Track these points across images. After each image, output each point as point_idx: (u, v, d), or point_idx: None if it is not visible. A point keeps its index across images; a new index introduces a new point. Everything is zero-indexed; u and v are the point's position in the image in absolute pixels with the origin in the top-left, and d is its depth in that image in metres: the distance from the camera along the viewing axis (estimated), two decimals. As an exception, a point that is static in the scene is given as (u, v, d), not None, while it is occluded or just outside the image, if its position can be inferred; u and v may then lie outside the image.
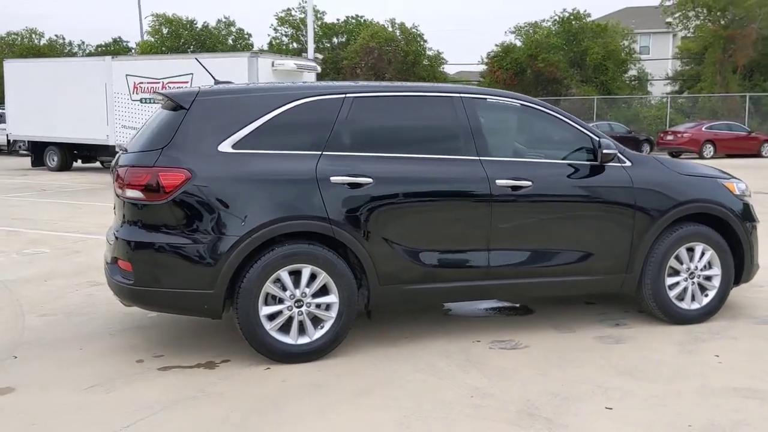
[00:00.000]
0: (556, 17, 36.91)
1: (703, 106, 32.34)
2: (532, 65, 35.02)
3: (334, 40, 42.64)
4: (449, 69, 44.33)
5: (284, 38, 42.82)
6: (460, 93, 4.89)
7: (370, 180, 4.45)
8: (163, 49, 39.77)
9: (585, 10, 36.27)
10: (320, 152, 4.47)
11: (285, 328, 4.40)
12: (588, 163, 4.99)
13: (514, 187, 4.72)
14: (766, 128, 29.56)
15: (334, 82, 5.70)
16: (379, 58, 36.63)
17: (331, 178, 4.40)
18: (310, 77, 16.34)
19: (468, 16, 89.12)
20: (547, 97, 34.65)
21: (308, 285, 4.39)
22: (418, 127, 4.80)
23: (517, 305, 5.75)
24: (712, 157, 26.10)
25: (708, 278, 5.22)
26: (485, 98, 4.96)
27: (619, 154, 5.02)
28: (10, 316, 5.57)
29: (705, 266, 5.19)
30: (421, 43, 38.98)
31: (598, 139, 5.00)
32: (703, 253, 5.17)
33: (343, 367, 4.35)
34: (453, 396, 3.93)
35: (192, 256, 4.23)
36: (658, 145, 28.06)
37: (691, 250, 5.15)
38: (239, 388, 4.08)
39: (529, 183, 4.75)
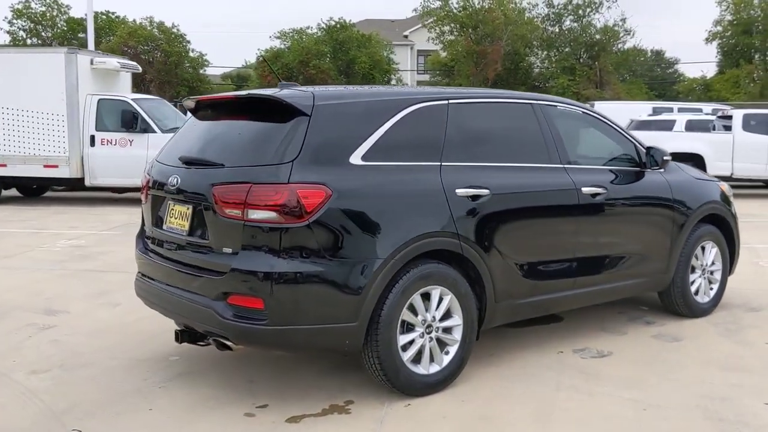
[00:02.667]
0: (323, 25, 37.64)
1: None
2: (304, 71, 35.30)
3: (81, 35, 38.97)
4: (213, 72, 43.02)
5: (21, 32, 38.21)
6: (537, 100, 4.84)
7: (487, 191, 4.21)
8: None
9: (350, 20, 37.45)
10: (439, 163, 4.13)
11: (416, 357, 3.99)
12: (639, 169, 5.21)
13: (594, 195, 4.78)
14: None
15: (422, 87, 5.19)
16: (137, 58, 34.26)
17: (457, 191, 4.09)
18: (127, 78, 14.78)
19: (230, 17, 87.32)
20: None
21: (436, 308, 4.04)
22: (511, 135, 4.66)
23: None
24: None
25: (712, 272, 5.74)
26: (556, 105, 4.95)
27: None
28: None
29: (713, 262, 5.72)
30: (184, 44, 37.29)
31: (639, 145, 5.26)
32: (711, 251, 5.68)
33: (466, 393, 4.06)
34: (614, 409, 3.87)
35: (335, 285, 3.66)
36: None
37: (703, 248, 5.62)
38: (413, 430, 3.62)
39: (604, 190, 4.84)
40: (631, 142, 5.29)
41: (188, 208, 3.97)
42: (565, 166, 4.73)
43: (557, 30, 36.28)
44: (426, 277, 3.93)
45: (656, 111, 19.95)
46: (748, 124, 14.78)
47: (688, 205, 5.42)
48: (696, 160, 14.67)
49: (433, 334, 4.03)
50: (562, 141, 4.78)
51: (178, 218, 4.06)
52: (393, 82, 40.02)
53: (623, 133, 5.29)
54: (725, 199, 5.80)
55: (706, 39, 36.19)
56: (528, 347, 4.86)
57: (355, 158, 3.81)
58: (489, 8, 34.89)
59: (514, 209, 4.37)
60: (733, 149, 14.73)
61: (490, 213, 4.21)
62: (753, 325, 5.46)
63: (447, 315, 4.09)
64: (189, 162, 4.05)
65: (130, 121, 12.71)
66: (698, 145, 14.86)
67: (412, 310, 3.93)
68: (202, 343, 4.16)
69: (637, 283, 5.23)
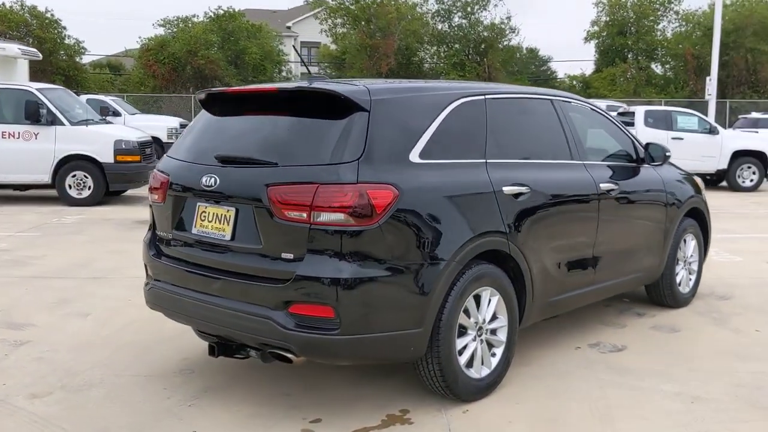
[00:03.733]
0: (210, 14, 36.42)
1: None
2: (192, 61, 34.06)
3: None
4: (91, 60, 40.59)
5: None
6: (554, 95, 4.85)
7: (527, 189, 4.17)
8: None
9: (239, 9, 36.44)
10: (484, 160, 4.03)
11: (468, 361, 3.88)
12: (637, 164, 5.33)
13: (609, 191, 4.85)
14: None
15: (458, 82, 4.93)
16: (7, 44, 31.81)
17: (504, 188, 4.01)
18: (24, 65, 13.59)
19: (112, 4, 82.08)
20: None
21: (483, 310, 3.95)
22: (538, 130, 4.63)
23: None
24: None
25: (691, 264, 6.00)
26: (570, 101, 4.97)
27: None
28: None
29: (692, 254, 5.97)
30: (59, 30, 34.94)
31: (637, 141, 5.39)
32: (690, 243, 5.92)
33: (514, 395, 4.01)
34: (664, 403, 3.93)
35: (403, 290, 3.49)
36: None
37: (684, 240, 5.86)
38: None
39: (616, 186, 4.92)
40: (629, 137, 5.41)
41: (229, 211, 3.66)
42: (584, 162, 4.77)
43: (447, 26, 36.95)
44: (479, 278, 3.82)
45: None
46: (648, 121, 15.62)
47: (678, 200, 5.62)
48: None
49: (483, 337, 3.95)
50: (578, 136, 4.82)
51: (213, 221, 3.73)
52: (284, 73, 39.42)
53: (622, 128, 5.40)
54: (699, 192, 6.06)
55: (585, 38, 38.22)
56: (544, 345, 4.86)
57: (414, 156, 3.64)
58: (381, 2, 35.00)
59: (549, 206, 4.34)
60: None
61: (530, 210, 4.16)
62: (733, 313, 5.73)
63: (494, 316, 4.02)
64: (226, 160, 3.72)
65: (35, 113, 11.71)
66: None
67: (466, 313, 3.82)
68: (240, 356, 3.86)
69: (637, 278, 5.36)
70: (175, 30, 36.21)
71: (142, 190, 13.53)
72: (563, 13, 79.12)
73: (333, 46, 40.06)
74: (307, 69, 4.72)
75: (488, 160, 4.04)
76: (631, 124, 15.33)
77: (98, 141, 12.02)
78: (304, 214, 3.36)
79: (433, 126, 3.79)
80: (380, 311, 3.43)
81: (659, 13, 37.12)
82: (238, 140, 3.82)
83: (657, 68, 37.97)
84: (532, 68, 54.99)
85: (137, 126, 16.59)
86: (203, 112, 4.24)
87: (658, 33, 37.33)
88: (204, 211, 3.79)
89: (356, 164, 3.39)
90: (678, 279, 5.79)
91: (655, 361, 4.60)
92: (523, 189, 4.12)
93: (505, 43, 37.11)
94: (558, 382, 4.21)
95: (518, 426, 3.64)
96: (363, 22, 35.48)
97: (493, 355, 4.02)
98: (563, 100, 4.87)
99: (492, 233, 3.89)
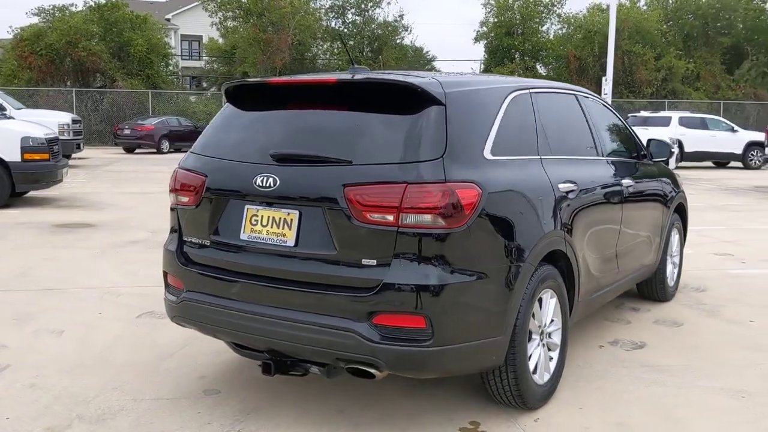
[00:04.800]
0: (91, 3, 34.31)
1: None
2: (72, 53, 32.00)
3: None
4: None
5: None
6: (576, 90, 4.78)
7: (576, 186, 4.07)
8: None
9: (122, 0, 34.56)
10: (539, 156, 3.89)
11: (534, 368, 3.72)
12: (638, 161, 5.36)
13: (629, 187, 4.84)
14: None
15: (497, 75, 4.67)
16: None
17: (559, 186, 3.89)
18: None
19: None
20: (89, 89, 32.23)
21: (545, 313, 3.81)
22: (571, 126, 4.53)
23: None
24: (168, 152, 27.43)
25: (674, 257, 6.14)
26: (588, 96, 4.91)
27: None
28: None
29: (676, 248, 6.11)
30: None
31: (638, 138, 5.44)
32: (674, 237, 6.07)
33: (571, 399, 3.90)
34: (719, 400, 3.94)
35: (489, 295, 3.29)
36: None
37: (670, 235, 5.99)
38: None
39: (633, 183, 4.93)
40: (633, 133, 5.45)
41: (290, 214, 3.31)
42: (607, 158, 4.74)
43: (341, 22, 36.77)
44: (544, 279, 3.67)
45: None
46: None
47: (670, 196, 5.72)
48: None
49: (545, 341, 3.81)
50: (599, 132, 4.78)
51: (269, 226, 3.36)
52: (171, 67, 37.84)
53: (626, 124, 5.43)
54: (680, 187, 6.22)
55: (475, 39, 39.14)
56: (569, 344, 4.79)
57: (487, 152, 3.44)
58: (275, -4, 34.33)
59: (590, 204, 4.26)
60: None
61: (577, 208, 4.06)
62: (718, 305, 5.91)
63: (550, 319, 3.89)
64: (286, 159, 3.36)
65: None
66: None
67: (533, 316, 3.67)
68: (296, 373, 3.51)
69: (643, 273, 5.41)
70: (51, 19, 33.84)
71: (49, 192, 12.49)
72: (454, 12, 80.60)
73: (221, 40, 38.88)
74: (351, 60, 4.38)
75: (542, 157, 3.90)
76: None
77: (2, 138, 10.93)
78: (391, 217, 3.07)
79: (497, 120, 3.60)
80: (469, 319, 3.21)
81: (543, 15, 38.61)
82: (294, 137, 3.46)
83: (541, 69, 39.44)
84: (417, 67, 55.85)
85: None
86: (229, 106, 3.83)
87: (543, 35, 38.83)
88: (255, 215, 3.41)
89: (441, 161, 3.14)
90: (667, 272, 5.91)
91: (678, 356, 4.64)
92: (573, 186, 4.02)
93: (398, 41, 37.37)
94: (606, 384, 4.13)
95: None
96: (255, 16, 34.61)
97: (550, 359, 3.89)
98: (584, 95, 4.82)
99: (553, 232, 3.75)
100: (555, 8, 38.62)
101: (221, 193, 3.52)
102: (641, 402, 3.87)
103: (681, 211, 6.12)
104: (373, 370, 3.18)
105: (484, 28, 38.90)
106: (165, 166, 20.46)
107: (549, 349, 3.87)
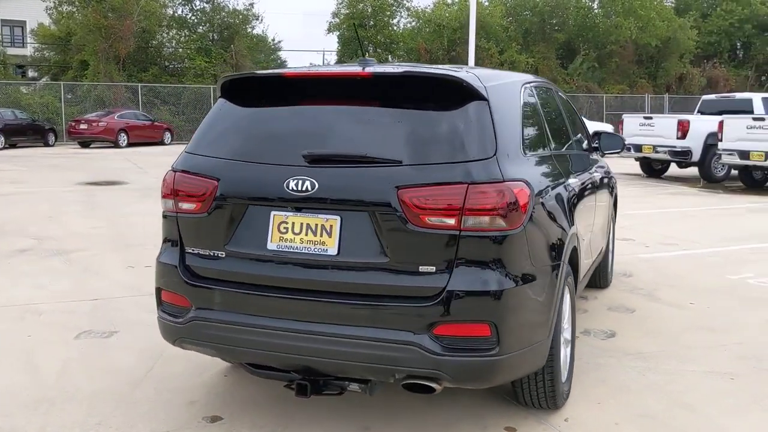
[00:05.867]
0: None
1: (87, 95, 31.81)
2: None
3: None
4: None
5: None
6: (551, 84, 4.79)
7: (576, 180, 4.10)
8: None
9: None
10: (550, 151, 3.86)
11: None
12: (591, 151, 5.49)
13: (595, 176, 4.94)
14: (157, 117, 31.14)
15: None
16: None
17: (569, 181, 3.89)
18: None
19: None
20: None
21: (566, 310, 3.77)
22: (559, 119, 4.52)
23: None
24: (127, 146, 26.45)
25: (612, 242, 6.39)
26: (558, 90, 4.93)
27: None
28: None
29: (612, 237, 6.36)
30: None
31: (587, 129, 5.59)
32: (612, 227, 6.31)
33: (582, 397, 3.91)
34: (720, 384, 4.10)
35: (540, 297, 3.20)
36: (71, 135, 26.85)
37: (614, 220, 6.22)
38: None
39: (596, 172, 5.03)
40: (584, 124, 5.57)
41: (329, 220, 3.02)
42: (581, 151, 4.81)
43: (188, 9, 35.20)
44: (567, 276, 3.64)
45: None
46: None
47: (613, 186, 5.93)
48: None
49: (565, 338, 3.77)
50: (570, 124, 4.84)
51: (303, 233, 3.05)
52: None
53: (579, 116, 5.54)
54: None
55: (328, 29, 38.93)
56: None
57: (524, 149, 3.33)
58: (116, -21, 32.20)
59: (582, 196, 4.27)
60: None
61: (577, 202, 4.06)
62: (653, 289, 6.21)
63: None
64: (321, 160, 3.05)
65: None
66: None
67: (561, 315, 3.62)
68: (331, 393, 3.22)
69: (599, 260, 5.54)
70: None
71: None
72: (307, 2, 79.41)
73: (53, 26, 35.99)
74: (362, 51, 4.08)
75: (552, 152, 3.87)
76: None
77: None
78: (453, 220, 2.88)
79: (521, 115, 3.51)
80: (527, 323, 3.09)
81: (393, 8, 39.18)
82: (327, 136, 3.15)
83: (394, 61, 40.03)
84: (261, 57, 54.86)
85: None
86: (227, 102, 3.44)
87: (394, 27, 39.41)
88: (284, 222, 3.08)
89: (495, 160, 2.99)
90: (609, 258, 6.13)
91: (650, 342, 4.80)
92: (576, 181, 4.03)
93: (249, 30, 36.43)
94: (605, 376, 4.18)
95: (626, 427, 3.52)
96: (95, 1, 32.29)
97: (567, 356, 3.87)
98: (555, 89, 4.84)
99: (571, 229, 3.72)
100: (404, 2, 39.33)
101: (240, 198, 3.15)
102: (649, 391, 3.95)
103: (615, 199, 6.38)
104: (433, 384, 2.98)
105: (337, 20, 38.83)
106: (8, 164, 18.64)
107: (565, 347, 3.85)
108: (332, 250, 3.00)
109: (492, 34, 38.28)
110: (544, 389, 3.47)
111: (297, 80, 3.38)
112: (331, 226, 3.02)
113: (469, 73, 3.24)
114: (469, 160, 2.96)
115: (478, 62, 37.78)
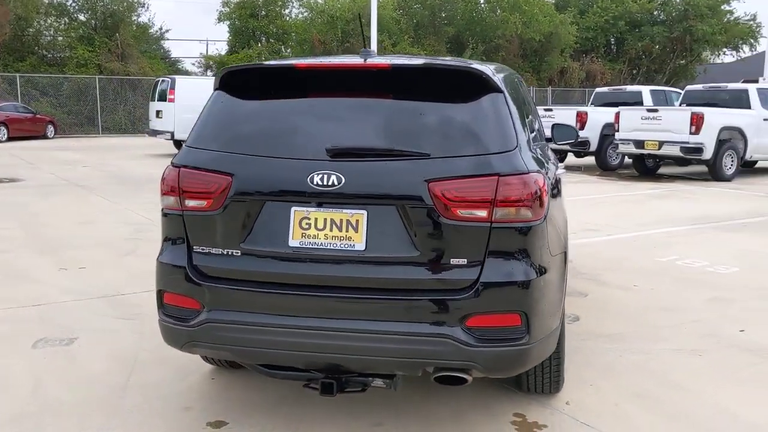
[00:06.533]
0: None
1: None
2: None
3: None
4: None
5: None
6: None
7: (558, 170, 4.20)
8: None
9: None
10: (542, 142, 3.96)
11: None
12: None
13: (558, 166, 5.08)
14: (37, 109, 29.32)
15: None
16: None
17: (557, 171, 3.99)
18: None
19: None
20: None
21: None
22: (531, 111, 4.58)
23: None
24: (7, 140, 24.84)
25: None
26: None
27: None
28: None
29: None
30: None
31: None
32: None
33: (576, 381, 4.03)
34: (697, 361, 4.35)
35: (557, 285, 3.28)
36: None
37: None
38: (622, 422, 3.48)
39: (558, 162, 5.18)
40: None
41: (356, 215, 2.95)
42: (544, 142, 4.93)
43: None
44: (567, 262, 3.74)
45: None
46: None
47: (559, 177, 6.11)
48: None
49: (558, 323, 3.88)
50: (537, 117, 4.94)
51: (326, 229, 2.96)
52: None
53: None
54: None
55: (218, 18, 37.88)
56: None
57: (530, 140, 3.39)
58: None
59: (557, 189, 4.38)
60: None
61: (561, 189, 4.14)
62: (595, 273, 6.49)
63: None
64: (347, 153, 2.97)
65: None
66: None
67: (561, 300, 3.71)
68: (354, 390, 3.16)
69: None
70: None
71: None
72: None
73: None
74: (364, 42, 3.94)
75: (540, 143, 3.96)
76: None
77: None
78: (483, 212, 2.89)
79: (523, 107, 3.57)
80: (548, 310, 3.14)
81: (285, -1, 38.75)
82: (349, 129, 3.06)
83: (288, 52, 39.54)
84: (145, 47, 52.77)
85: None
86: (226, 95, 3.28)
87: (287, 18, 38.92)
88: (305, 218, 2.99)
89: (518, 152, 3.03)
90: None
91: (615, 324, 5.01)
92: (554, 167, 4.13)
93: (135, 18, 34.93)
94: (588, 359, 4.32)
95: (627, 406, 3.65)
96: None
97: (560, 340, 3.98)
98: (519, 77, 4.92)
99: (566, 215, 3.83)
100: (295, -8, 38.97)
101: (258, 194, 3.03)
102: (634, 371, 4.12)
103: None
104: (465, 375, 2.99)
105: (227, 9, 37.89)
106: None
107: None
108: (360, 245, 2.94)
109: (384, 27, 38.56)
110: (549, 374, 3.56)
111: (310, 72, 3.27)
112: (357, 220, 2.95)
113: (481, 66, 3.25)
114: (495, 152, 2.97)
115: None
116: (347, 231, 2.95)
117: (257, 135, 3.14)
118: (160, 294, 3.23)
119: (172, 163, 3.25)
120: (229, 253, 3.07)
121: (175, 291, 3.16)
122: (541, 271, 3.04)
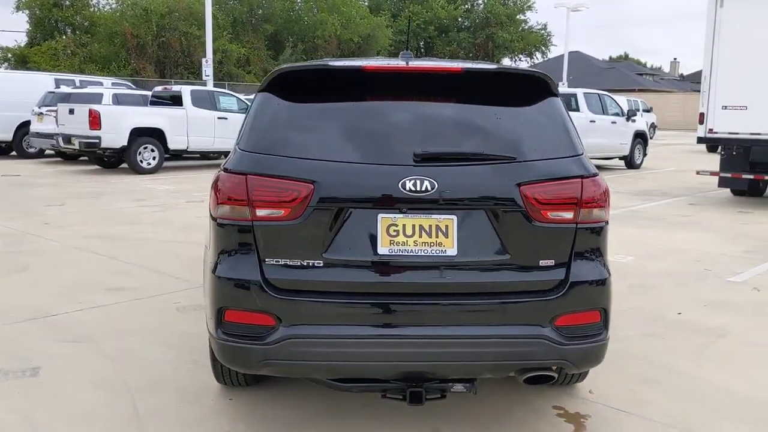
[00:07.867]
0: None
1: None
2: None
3: None
4: None
5: None
6: None
7: None
8: None
9: None
10: None
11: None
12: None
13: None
14: None
15: None
16: None
17: None
18: None
19: None
20: None
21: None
22: None
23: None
24: None
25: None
26: None
27: None
28: None
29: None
30: None
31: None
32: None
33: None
34: (696, 340, 4.73)
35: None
36: None
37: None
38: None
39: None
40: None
41: (445, 220, 2.90)
42: None
43: None
44: None
45: (59, 83, 18.68)
46: (196, 101, 15.70)
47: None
48: (157, 135, 14.91)
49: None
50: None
51: (415, 235, 2.88)
52: None
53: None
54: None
55: (16, 7, 34.27)
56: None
57: (575, 142, 3.53)
58: None
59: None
60: (187, 124, 15.41)
61: None
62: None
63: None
64: (435, 158, 2.91)
65: None
66: (160, 120, 15.00)
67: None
68: (434, 397, 3.09)
69: None
70: None
71: None
72: None
73: None
74: (407, 45, 3.74)
75: None
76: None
77: None
78: (570, 213, 2.98)
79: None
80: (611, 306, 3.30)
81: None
82: (431, 133, 2.99)
83: (98, 46, 36.93)
84: None
85: None
86: (271, 96, 3.08)
87: (93, 9, 36.32)
88: (393, 225, 2.89)
89: (585, 155, 3.17)
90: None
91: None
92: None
93: None
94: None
95: (646, 392, 3.87)
96: None
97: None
98: None
99: None
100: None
101: (344, 202, 2.87)
102: (625, 357, 4.36)
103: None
104: (551, 373, 3.06)
105: (27, -3, 34.62)
106: None
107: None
108: (451, 250, 2.90)
109: (201, 22, 37.34)
110: None
111: (379, 74, 3.14)
112: (446, 226, 2.91)
113: (531, 70, 3.34)
114: (570, 155, 3.06)
115: (190, 50, 36.70)
116: (437, 237, 2.90)
117: (334, 140, 2.98)
118: (220, 312, 2.95)
119: (226, 169, 2.99)
120: (310, 264, 2.89)
121: (242, 308, 2.91)
122: (608, 268, 3.19)
